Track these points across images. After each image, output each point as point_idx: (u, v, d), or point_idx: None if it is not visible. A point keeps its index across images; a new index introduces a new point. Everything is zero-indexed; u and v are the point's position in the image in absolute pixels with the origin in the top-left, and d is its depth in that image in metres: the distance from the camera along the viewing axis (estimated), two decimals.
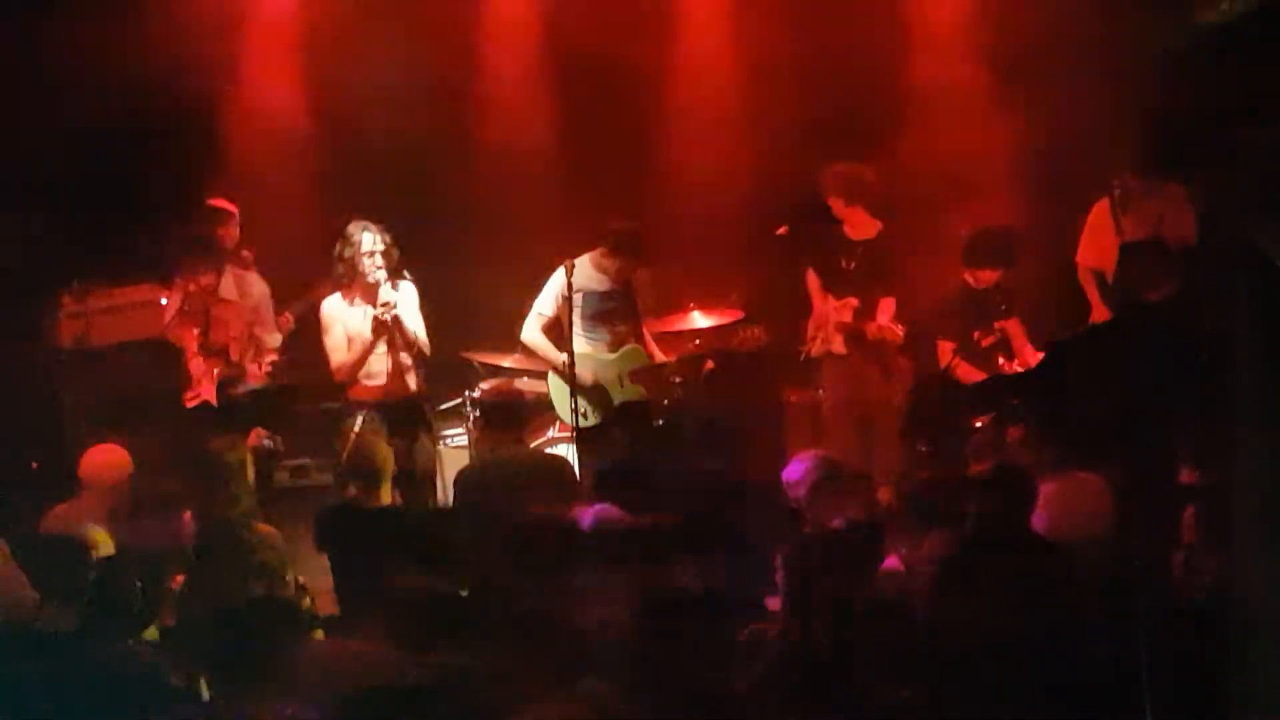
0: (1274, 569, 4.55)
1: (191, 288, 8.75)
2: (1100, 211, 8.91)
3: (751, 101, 10.18)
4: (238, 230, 9.58)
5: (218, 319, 8.72)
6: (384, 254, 8.32)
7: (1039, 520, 6.35)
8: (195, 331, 8.79)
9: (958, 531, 6.09)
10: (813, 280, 9.27)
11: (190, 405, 8.68)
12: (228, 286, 8.84)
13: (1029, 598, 5.37)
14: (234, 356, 8.71)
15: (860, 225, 9.14)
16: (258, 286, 8.99)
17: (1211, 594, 5.36)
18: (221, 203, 9.57)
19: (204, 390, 8.69)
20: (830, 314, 9.12)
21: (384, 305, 8.32)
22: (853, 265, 9.14)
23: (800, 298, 9.34)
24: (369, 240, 8.31)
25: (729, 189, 9.92)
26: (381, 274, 8.32)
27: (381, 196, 9.54)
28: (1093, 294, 8.95)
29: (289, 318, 9.47)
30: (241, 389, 8.71)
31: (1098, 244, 8.90)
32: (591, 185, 9.90)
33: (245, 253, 9.56)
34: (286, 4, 10.28)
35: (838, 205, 9.11)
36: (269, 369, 8.79)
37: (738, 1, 10.40)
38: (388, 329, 8.36)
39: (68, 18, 9.47)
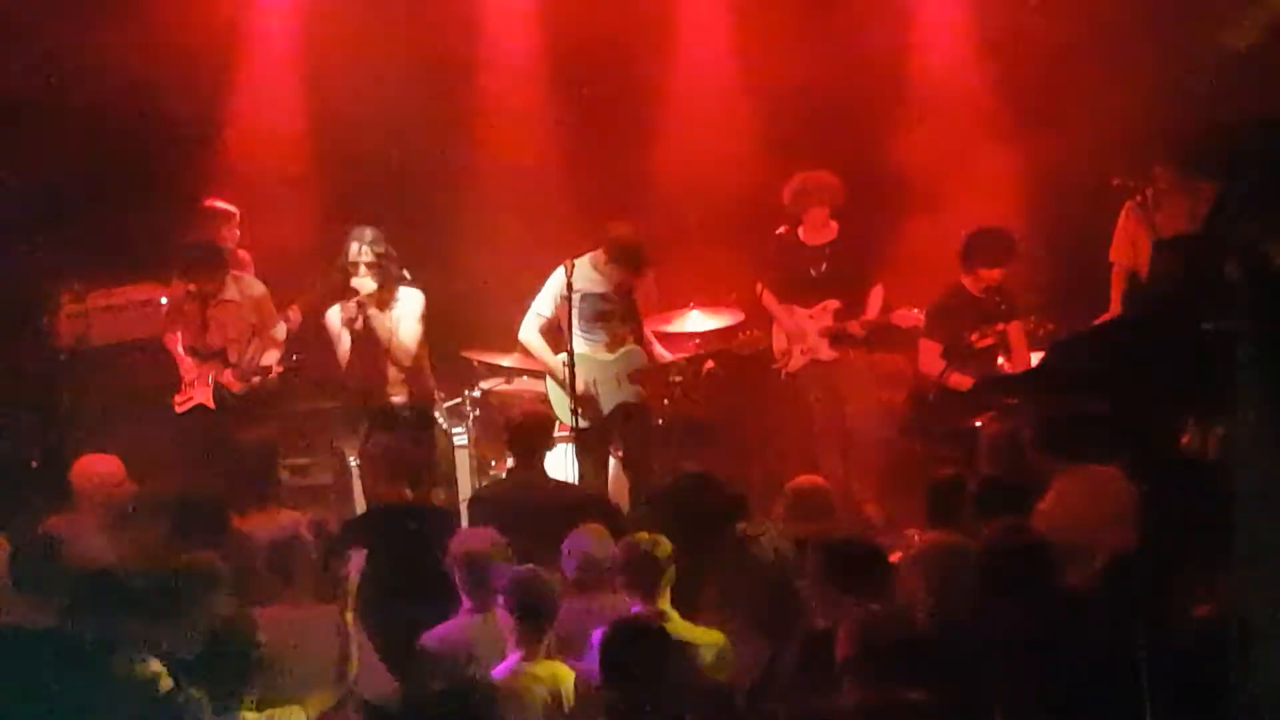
0: (1276, 570, 4.53)
1: (189, 289, 8.72)
2: (1130, 209, 8.83)
3: (754, 102, 10.16)
4: (238, 231, 9.57)
5: (216, 321, 8.71)
6: (372, 265, 8.33)
7: (1044, 514, 6.34)
8: (179, 334, 8.78)
9: (957, 534, 6.07)
10: (769, 298, 9.27)
11: (181, 409, 8.67)
12: (229, 288, 8.82)
13: (1028, 601, 5.35)
14: (232, 359, 8.69)
15: (819, 229, 9.15)
16: (256, 287, 8.97)
17: (1213, 596, 5.34)
18: (221, 203, 9.56)
19: (197, 394, 8.67)
20: (805, 324, 9.14)
21: (355, 303, 8.36)
22: (823, 267, 9.16)
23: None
24: (354, 250, 8.37)
25: (731, 190, 9.90)
26: (369, 283, 8.32)
27: (380, 196, 9.54)
28: (1117, 293, 8.86)
29: (299, 311, 9.41)
30: (243, 387, 8.70)
31: (1130, 242, 8.81)
32: (593, 185, 9.89)
33: (243, 253, 9.55)
34: (288, 5, 10.28)
35: (807, 214, 9.12)
36: (283, 368, 8.78)
37: (739, 3, 10.38)
38: (355, 327, 8.38)
39: (69, 20, 9.48)
